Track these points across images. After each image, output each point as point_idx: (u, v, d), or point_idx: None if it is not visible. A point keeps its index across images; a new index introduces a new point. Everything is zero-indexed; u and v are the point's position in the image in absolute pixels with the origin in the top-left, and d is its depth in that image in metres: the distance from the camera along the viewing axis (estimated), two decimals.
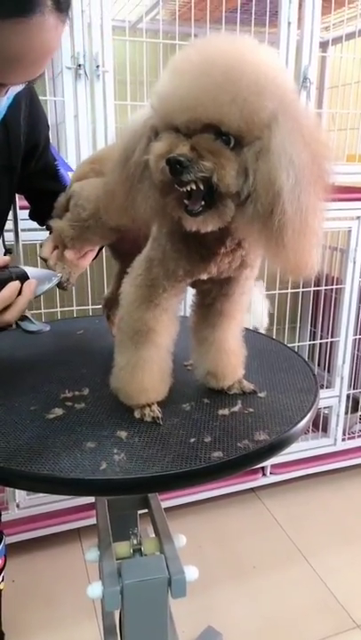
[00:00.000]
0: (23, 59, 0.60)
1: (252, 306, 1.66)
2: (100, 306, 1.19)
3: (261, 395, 0.86)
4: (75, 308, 1.63)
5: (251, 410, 0.81)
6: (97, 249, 0.98)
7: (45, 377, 0.93)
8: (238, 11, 1.51)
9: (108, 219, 0.75)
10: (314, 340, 1.99)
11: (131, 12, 1.60)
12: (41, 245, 0.95)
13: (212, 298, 0.80)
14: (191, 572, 0.81)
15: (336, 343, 1.91)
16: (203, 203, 0.60)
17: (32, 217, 1.10)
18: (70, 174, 0.98)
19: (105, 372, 0.84)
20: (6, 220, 1.02)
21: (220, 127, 0.57)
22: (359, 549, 1.73)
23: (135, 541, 0.93)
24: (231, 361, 0.84)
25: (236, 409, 0.81)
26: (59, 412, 0.80)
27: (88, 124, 1.48)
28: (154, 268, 0.73)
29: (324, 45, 1.75)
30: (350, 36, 1.68)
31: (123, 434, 0.74)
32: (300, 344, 2.03)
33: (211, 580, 1.60)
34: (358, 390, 2.06)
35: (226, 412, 0.80)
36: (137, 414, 0.78)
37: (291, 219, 0.56)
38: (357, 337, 1.95)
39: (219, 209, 0.61)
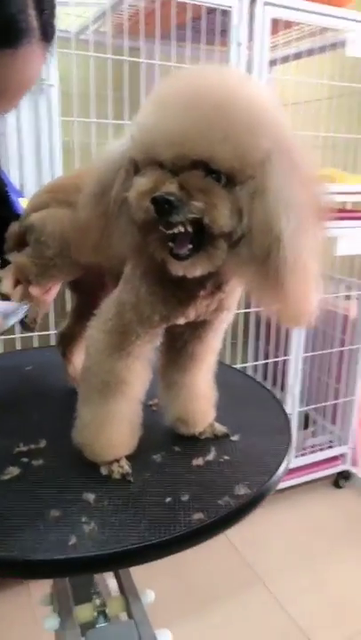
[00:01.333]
0: (8, 90, 0.55)
1: None
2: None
3: (234, 438, 0.81)
4: (36, 333, 1.50)
5: (226, 457, 0.76)
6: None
7: None
8: (187, 27, 1.47)
9: (79, 256, 0.68)
10: (267, 358, 1.98)
11: (74, 23, 1.52)
12: None
13: (184, 341, 0.75)
14: (165, 636, 0.75)
15: (288, 361, 1.91)
16: (190, 246, 0.55)
17: None
18: (23, 202, 0.89)
19: (61, 417, 0.76)
20: None
21: (210, 164, 0.51)
22: (317, 570, 1.73)
23: (98, 602, 0.85)
24: (202, 406, 0.79)
25: (210, 457, 0.75)
26: (14, 470, 0.71)
27: (32, 140, 1.38)
28: (126, 313, 0.67)
29: (272, 64, 1.75)
30: (298, 55, 1.69)
31: (90, 496, 0.66)
32: (254, 363, 2.01)
33: (165, 613, 1.54)
34: (309, 407, 2.07)
35: (200, 461, 0.74)
36: (104, 471, 0.71)
37: (290, 263, 0.52)
38: (308, 354, 1.96)
39: (209, 251, 0.55)
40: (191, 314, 0.67)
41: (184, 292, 0.64)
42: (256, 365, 2.04)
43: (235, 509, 0.65)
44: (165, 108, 0.53)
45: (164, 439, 0.80)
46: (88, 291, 0.89)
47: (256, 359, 2.05)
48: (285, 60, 1.71)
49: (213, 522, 0.63)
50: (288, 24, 1.57)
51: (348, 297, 2.06)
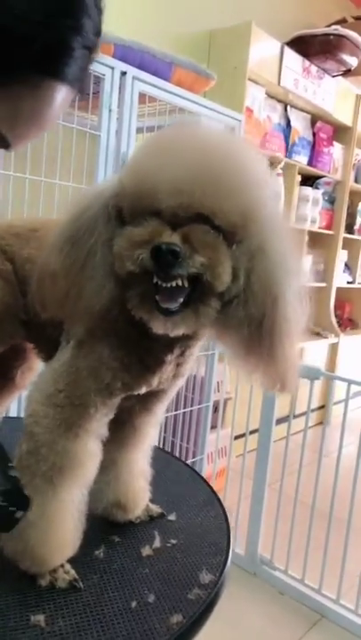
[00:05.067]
0: (43, 124, 0.51)
1: None
2: None
3: (172, 517, 0.75)
4: None
5: (173, 542, 0.69)
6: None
7: None
8: None
9: (42, 310, 0.57)
10: None
11: None
12: None
13: (129, 413, 0.67)
14: None
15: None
16: (180, 301, 0.50)
17: None
18: None
19: None
20: None
21: (213, 219, 0.49)
22: None
23: None
24: (141, 484, 0.72)
25: (157, 544, 0.68)
26: None
27: None
28: (83, 381, 0.57)
29: (139, 131, 1.80)
30: (161, 128, 1.78)
31: (39, 618, 0.53)
32: None
33: None
34: None
35: (149, 551, 0.66)
36: (44, 581, 0.58)
37: (286, 325, 0.51)
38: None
39: (198, 309, 0.51)
40: (155, 381, 0.61)
41: (151, 357, 0.59)
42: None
43: (208, 601, 0.59)
44: (169, 157, 0.50)
45: (99, 529, 0.69)
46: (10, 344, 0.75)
47: None
48: (151, 129, 1.79)
49: (194, 622, 0.56)
50: (152, 99, 1.66)
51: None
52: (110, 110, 1.54)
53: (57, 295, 0.54)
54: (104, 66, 1.48)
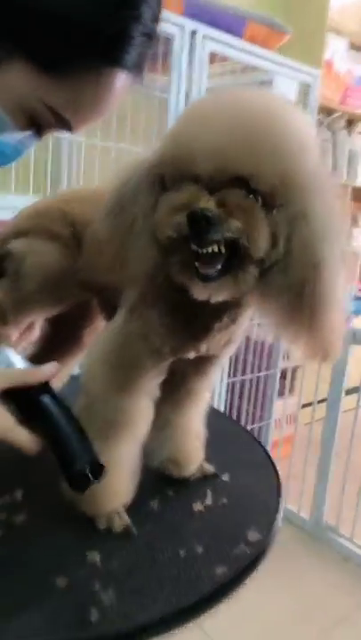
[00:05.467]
0: (102, 109, 0.55)
1: None
2: None
3: (225, 478, 0.77)
4: None
5: (225, 501, 0.71)
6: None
7: None
8: None
9: (92, 275, 0.61)
10: None
11: None
12: None
13: (183, 376, 0.70)
14: None
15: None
16: (219, 267, 0.51)
17: None
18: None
19: (33, 462, 0.66)
20: None
21: (251, 183, 0.49)
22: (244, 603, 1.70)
23: None
24: (195, 446, 0.74)
25: (209, 502, 0.71)
26: None
27: None
28: (134, 344, 0.60)
29: (208, 92, 1.77)
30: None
31: (95, 557, 0.58)
32: None
33: None
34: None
35: (200, 507, 0.69)
36: (102, 524, 0.63)
37: (327, 293, 0.51)
38: (230, 380, 1.98)
39: (238, 276, 0.51)
40: (203, 347, 0.63)
41: (199, 323, 0.60)
42: None
43: (253, 557, 0.61)
44: (208, 122, 0.50)
45: (155, 483, 0.73)
46: (67, 321, 0.80)
47: None
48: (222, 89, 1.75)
49: (237, 575, 0.58)
50: (224, 57, 1.62)
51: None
52: (180, 72, 1.52)
53: (105, 261, 0.57)
54: (173, 25, 1.46)
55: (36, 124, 0.55)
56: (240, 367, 2.05)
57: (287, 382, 2.14)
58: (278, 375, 2.11)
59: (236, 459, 0.83)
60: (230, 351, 0.69)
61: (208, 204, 0.48)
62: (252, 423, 2.11)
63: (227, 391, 2.00)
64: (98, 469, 0.54)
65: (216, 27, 1.55)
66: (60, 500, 0.63)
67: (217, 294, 0.53)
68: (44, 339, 0.82)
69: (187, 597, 0.54)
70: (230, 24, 1.59)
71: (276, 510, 0.70)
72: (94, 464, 0.54)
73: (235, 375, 2.05)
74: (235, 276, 0.52)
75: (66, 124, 0.55)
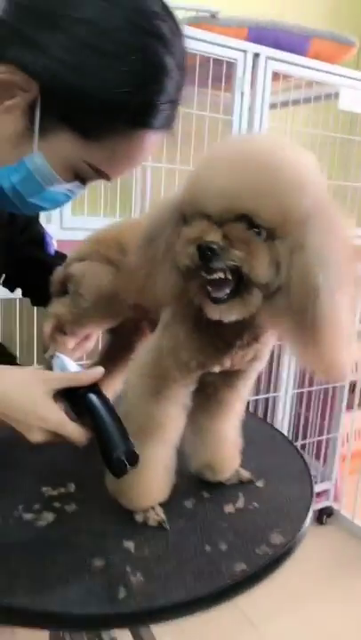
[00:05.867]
0: (136, 162, 0.67)
1: None
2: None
3: (259, 484, 0.82)
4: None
5: (255, 505, 0.77)
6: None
7: (18, 468, 0.82)
8: (195, 73, 1.52)
9: (126, 297, 0.72)
10: (257, 395, 2.00)
11: None
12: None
13: (214, 387, 0.76)
14: None
15: (277, 398, 1.94)
16: (227, 291, 0.58)
17: (23, 293, 1.03)
18: (55, 245, 0.91)
19: (85, 459, 0.75)
20: None
21: (254, 218, 0.56)
22: (304, 609, 1.73)
23: None
24: (229, 452, 0.80)
25: (240, 505, 0.77)
26: (49, 517, 0.70)
27: None
28: (165, 358, 0.69)
29: (272, 107, 1.81)
30: (296, 102, 1.75)
31: (130, 545, 0.66)
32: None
33: None
34: (296, 443, 2.10)
35: (231, 508, 0.76)
36: (139, 518, 0.71)
37: (325, 317, 0.56)
38: (296, 391, 2.00)
39: (244, 298, 0.59)
40: (227, 363, 0.69)
41: (221, 341, 0.67)
42: (248, 401, 2.06)
43: (273, 559, 0.66)
44: (218, 166, 0.58)
45: (191, 485, 0.80)
46: (124, 334, 0.91)
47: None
48: (285, 104, 1.78)
49: (255, 573, 0.64)
50: (287, 75, 1.65)
51: None
52: (243, 93, 1.59)
53: (136, 286, 0.67)
54: (236, 50, 1.52)
55: (80, 177, 0.66)
56: (307, 378, 2.06)
57: (356, 396, 2.10)
58: (347, 388, 2.09)
59: (275, 468, 0.88)
60: (258, 367, 0.75)
61: (214, 237, 0.56)
62: (319, 435, 2.10)
63: (293, 402, 2.02)
64: (133, 457, 0.63)
65: (280, 47, 1.59)
66: (105, 495, 0.72)
67: (227, 314, 0.60)
68: (106, 349, 0.94)
69: (204, 588, 0.60)
70: (294, 43, 1.63)
71: (304, 519, 0.74)
72: (130, 452, 0.63)
73: (302, 386, 2.06)
74: (242, 299, 0.59)
75: (104, 176, 0.66)
